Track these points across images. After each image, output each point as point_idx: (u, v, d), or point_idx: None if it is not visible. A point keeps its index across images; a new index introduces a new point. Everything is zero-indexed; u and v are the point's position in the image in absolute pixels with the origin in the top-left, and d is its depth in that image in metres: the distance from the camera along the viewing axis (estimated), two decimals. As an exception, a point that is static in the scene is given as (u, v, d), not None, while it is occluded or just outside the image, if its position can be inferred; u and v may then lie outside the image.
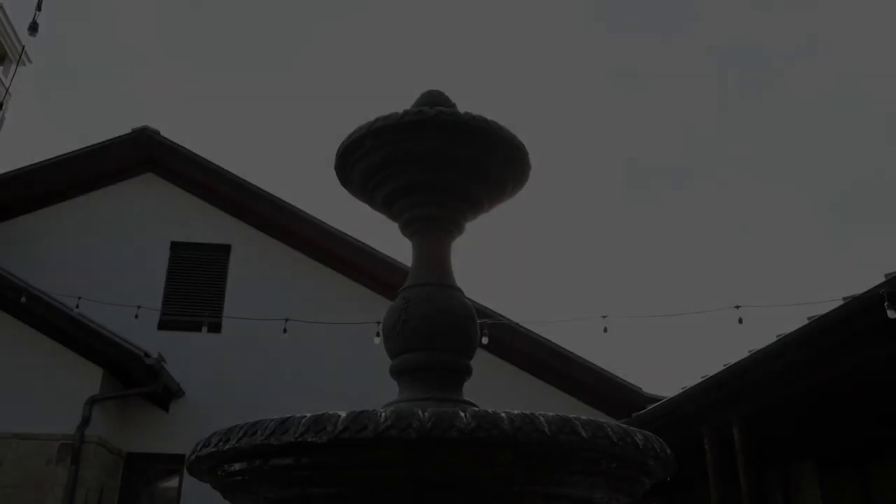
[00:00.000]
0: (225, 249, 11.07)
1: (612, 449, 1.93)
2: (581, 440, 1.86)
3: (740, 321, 5.92)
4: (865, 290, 6.01)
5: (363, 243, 11.11)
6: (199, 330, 10.45)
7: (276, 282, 11.01)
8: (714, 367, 8.33)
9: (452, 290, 2.63)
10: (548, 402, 10.47)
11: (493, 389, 10.52)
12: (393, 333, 2.56)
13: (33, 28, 5.23)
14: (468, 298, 2.72)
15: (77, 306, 8.58)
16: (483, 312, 10.29)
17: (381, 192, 2.77)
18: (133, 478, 9.93)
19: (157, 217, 11.08)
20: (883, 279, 5.92)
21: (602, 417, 2.22)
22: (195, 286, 10.84)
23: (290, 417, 1.88)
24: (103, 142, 10.78)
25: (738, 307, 5.98)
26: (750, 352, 7.58)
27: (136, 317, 8.87)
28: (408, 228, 2.79)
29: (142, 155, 11.15)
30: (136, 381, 9.40)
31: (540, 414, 1.88)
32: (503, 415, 1.82)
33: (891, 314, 5.56)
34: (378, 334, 7.99)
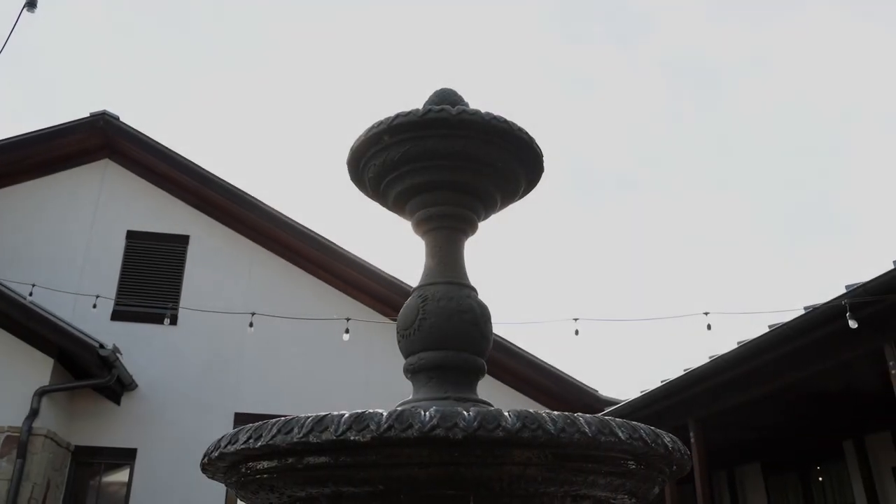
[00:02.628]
0: (183, 240, 10.83)
1: (645, 450, 1.96)
2: (619, 441, 1.88)
3: (709, 327, 6.06)
4: (827, 300, 6.24)
5: (325, 238, 11.01)
6: (154, 321, 10.21)
7: (234, 274, 10.83)
8: (674, 372, 8.53)
9: (469, 290, 2.62)
10: (503, 402, 10.52)
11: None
12: (409, 331, 2.54)
13: (32, 4, 5.05)
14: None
15: (31, 294, 8.27)
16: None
17: (395, 188, 2.75)
18: (81, 472, 9.64)
19: (114, 204, 10.78)
20: (844, 290, 6.15)
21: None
22: (151, 276, 10.58)
23: (327, 415, 1.85)
24: (60, 125, 10.43)
25: (706, 314, 6.12)
26: (710, 358, 7.78)
27: (95, 306, 8.60)
28: (421, 226, 2.77)
29: (99, 140, 10.82)
30: (87, 372, 9.13)
31: (578, 415, 1.89)
32: (545, 415, 1.83)
33: (852, 324, 5.77)
34: (347, 331, 7.93)
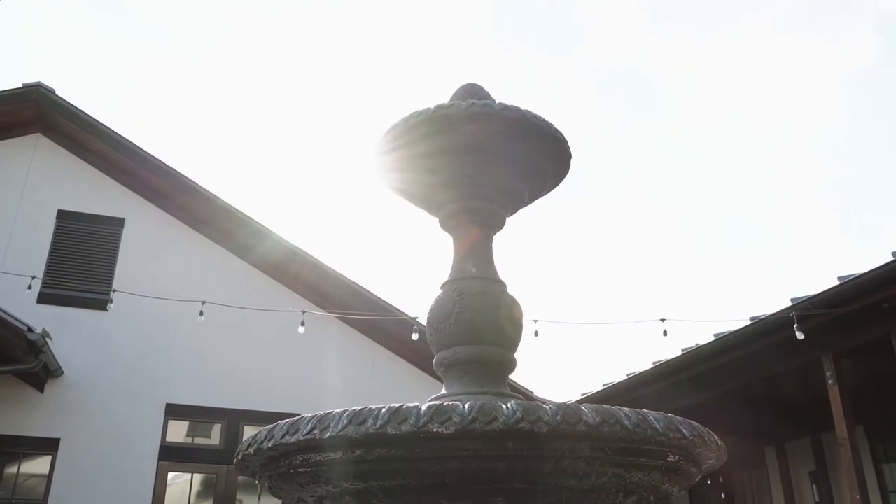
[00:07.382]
0: (118, 223, 10.37)
1: (702, 446, 2.02)
2: (683, 437, 1.93)
3: (665, 333, 6.26)
4: (773, 311, 6.53)
5: (265, 227, 10.74)
6: (84, 306, 9.76)
7: (171, 260, 10.44)
8: (615, 376, 8.76)
9: (502, 285, 2.63)
10: (426, 393, 10.50)
11: (389, 383, 10.50)
12: (445, 325, 2.52)
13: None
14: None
15: (-43, 272, 7.76)
16: (385, 309, 10.23)
17: (427, 181, 2.73)
18: (-3, 462, 9.10)
19: (44, 182, 10.22)
20: (789, 303, 6.46)
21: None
22: (83, 259, 10.07)
23: (402, 406, 1.82)
24: (-12, 94, 9.82)
25: (663, 320, 6.31)
26: (654, 363, 8.03)
27: (30, 287, 8.14)
28: (450, 221, 2.76)
29: (32, 113, 10.24)
30: (10, 357, 8.61)
31: (646, 411, 1.93)
32: (620, 411, 1.86)
33: (799, 335, 6.06)
34: (303, 323, 7.76)
